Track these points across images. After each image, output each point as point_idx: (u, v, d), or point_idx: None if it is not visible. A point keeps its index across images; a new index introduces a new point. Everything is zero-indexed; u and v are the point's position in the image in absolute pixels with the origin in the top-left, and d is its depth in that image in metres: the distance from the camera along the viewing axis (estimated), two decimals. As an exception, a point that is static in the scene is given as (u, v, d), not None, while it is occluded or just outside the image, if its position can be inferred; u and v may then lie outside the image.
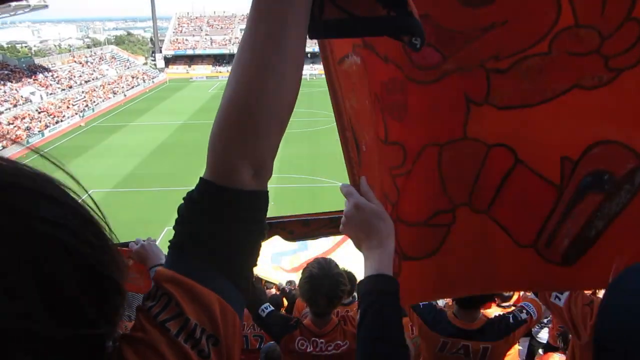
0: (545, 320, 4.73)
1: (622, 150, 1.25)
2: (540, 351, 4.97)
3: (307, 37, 0.77)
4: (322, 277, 2.36)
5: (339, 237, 7.12)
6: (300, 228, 3.28)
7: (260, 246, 0.76)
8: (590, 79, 1.21)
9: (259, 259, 0.77)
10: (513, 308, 2.44)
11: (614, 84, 1.19)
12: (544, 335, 4.89)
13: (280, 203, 17.17)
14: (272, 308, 2.66)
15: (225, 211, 0.69)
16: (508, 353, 2.53)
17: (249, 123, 0.70)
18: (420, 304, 2.39)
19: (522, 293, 4.74)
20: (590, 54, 1.18)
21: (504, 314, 2.42)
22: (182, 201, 0.73)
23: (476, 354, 2.24)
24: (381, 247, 1.12)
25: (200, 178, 0.72)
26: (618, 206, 1.29)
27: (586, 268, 1.36)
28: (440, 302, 4.42)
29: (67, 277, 0.53)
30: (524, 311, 2.34)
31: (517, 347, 3.74)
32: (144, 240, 2.03)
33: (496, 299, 4.07)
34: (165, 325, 0.61)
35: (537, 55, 1.21)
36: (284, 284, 6.82)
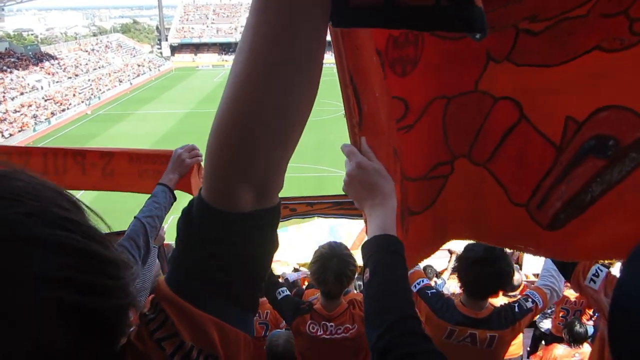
0: (549, 311, 4.74)
1: (633, 118, 1.21)
2: (543, 342, 4.99)
3: (329, 24, 0.63)
4: (331, 256, 2.44)
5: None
6: (303, 207, 3.32)
7: (267, 263, 0.71)
8: (612, 40, 1.17)
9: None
10: (519, 297, 2.44)
11: (635, 49, 1.15)
12: (545, 325, 4.90)
13: (285, 192, 17.10)
14: (288, 292, 2.75)
15: (223, 235, 0.63)
16: (513, 342, 2.53)
17: (245, 145, 0.60)
18: (429, 292, 2.40)
19: (526, 282, 4.76)
20: (619, 14, 1.14)
21: (510, 302, 2.43)
22: (181, 214, 0.67)
23: (483, 342, 2.25)
24: (384, 205, 1.13)
25: (199, 195, 0.64)
26: (620, 174, 1.25)
27: (575, 236, 1.34)
28: (446, 292, 4.43)
29: (65, 343, 0.53)
30: (530, 300, 2.34)
31: (521, 336, 3.75)
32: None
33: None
34: (161, 344, 0.60)
35: (573, 18, 1.18)
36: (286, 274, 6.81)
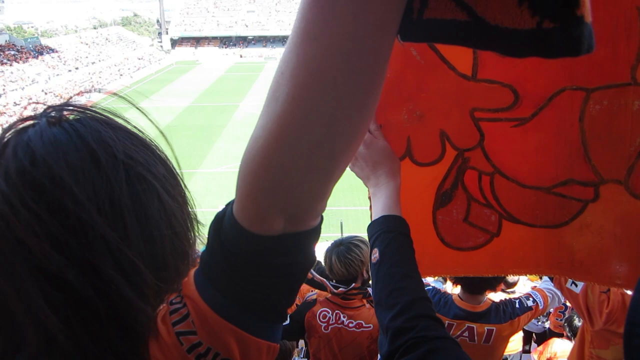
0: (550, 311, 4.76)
1: None
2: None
3: (396, 38, 0.51)
4: (338, 244, 2.54)
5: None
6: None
7: (298, 280, 0.68)
8: None
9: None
10: (520, 295, 2.45)
11: None
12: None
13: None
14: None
15: (250, 254, 0.60)
16: (512, 338, 2.53)
17: (281, 177, 0.55)
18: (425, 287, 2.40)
19: (526, 280, 4.76)
20: None
21: (510, 298, 2.43)
22: (214, 218, 0.64)
23: (481, 336, 2.25)
24: (388, 184, 1.13)
25: (231, 209, 0.61)
26: None
27: None
28: (441, 286, 4.44)
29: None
30: (531, 299, 2.35)
31: (521, 333, 3.76)
32: None
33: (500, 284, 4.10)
34: (179, 338, 0.61)
35: None
36: None
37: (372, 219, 1.12)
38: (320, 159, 0.54)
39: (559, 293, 2.37)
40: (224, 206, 0.64)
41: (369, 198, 1.21)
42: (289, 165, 0.54)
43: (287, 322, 2.66)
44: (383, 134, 1.20)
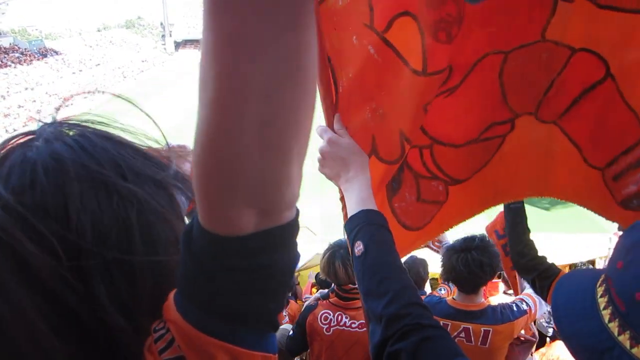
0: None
1: None
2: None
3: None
4: (339, 246, 2.48)
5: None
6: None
7: (285, 281, 0.62)
8: None
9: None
10: (514, 299, 2.46)
11: None
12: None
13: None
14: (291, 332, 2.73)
15: (225, 260, 0.55)
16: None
17: (232, 164, 0.50)
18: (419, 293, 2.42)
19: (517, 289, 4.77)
20: None
21: (508, 302, 2.44)
22: (182, 234, 0.59)
23: (477, 337, 2.26)
24: (358, 178, 1.16)
25: (197, 219, 0.56)
26: None
27: None
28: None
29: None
30: (524, 303, 2.36)
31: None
32: None
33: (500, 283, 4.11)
34: None
35: None
36: None
37: (349, 215, 1.13)
38: (269, 136, 0.48)
39: (542, 299, 2.40)
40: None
41: (341, 199, 1.23)
42: (237, 151, 0.48)
43: (292, 333, 2.66)
44: (349, 133, 1.23)
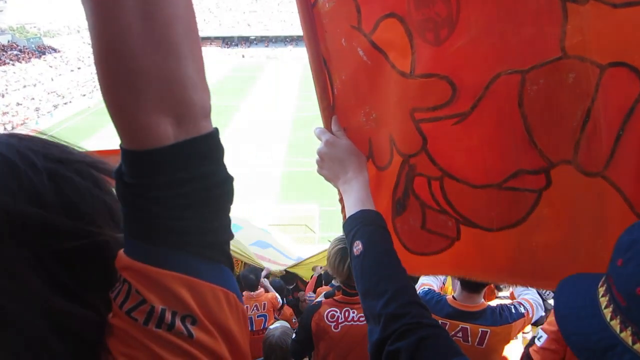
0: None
1: None
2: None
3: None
4: (341, 242, 2.44)
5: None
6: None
7: (222, 205, 0.62)
8: None
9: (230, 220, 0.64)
10: (512, 301, 2.47)
11: None
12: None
13: (290, 187, 17.16)
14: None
15: (152, 180, 0.55)
16: (509, 347, 2.53)
17: (126, 66, 0.51)
18: (419, 290, 2.42)
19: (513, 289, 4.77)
20: None
21: (507, 304, 2.44)
22: (115, 179, 0.59)
23: (475, 337, 2.26)
24: (357, 178, 1.17)
25: (120, 146, 0.56)
26: None
27: None
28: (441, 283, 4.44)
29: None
30: (522, 306, 2.36)
31: (520, 342, 3.77)
32: None
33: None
34: (131, 315, 0.55)
35: None
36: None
37: (347, 215, 1.13)
38: (153, 28, 0.51)
39: (541, 304, 2.41)
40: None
41: (340, 200, 1.24)
42: (131, 49, 0.50)
43: (295, 336, 2.67)
44: (348, 136, 1.24)
